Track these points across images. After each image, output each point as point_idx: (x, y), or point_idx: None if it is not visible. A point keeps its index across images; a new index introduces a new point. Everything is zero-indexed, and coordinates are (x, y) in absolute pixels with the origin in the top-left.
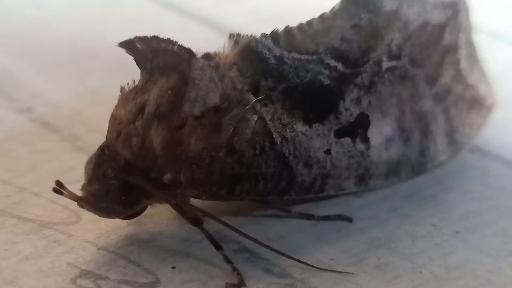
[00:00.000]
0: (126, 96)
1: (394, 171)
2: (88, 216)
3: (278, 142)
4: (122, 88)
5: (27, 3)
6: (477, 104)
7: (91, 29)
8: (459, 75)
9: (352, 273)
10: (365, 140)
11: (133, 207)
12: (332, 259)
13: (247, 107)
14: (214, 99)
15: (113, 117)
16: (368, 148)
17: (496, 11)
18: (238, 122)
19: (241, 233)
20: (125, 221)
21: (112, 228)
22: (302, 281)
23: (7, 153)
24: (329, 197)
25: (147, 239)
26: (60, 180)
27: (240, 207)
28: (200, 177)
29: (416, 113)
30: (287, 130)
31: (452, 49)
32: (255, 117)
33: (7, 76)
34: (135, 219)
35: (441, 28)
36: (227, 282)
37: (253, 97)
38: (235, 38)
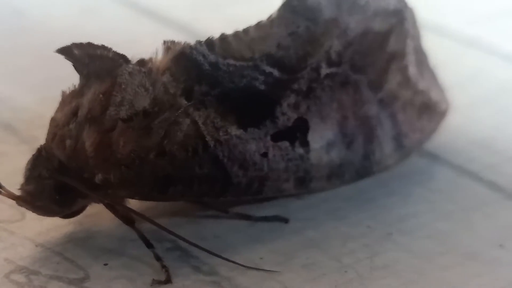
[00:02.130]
0: (64, 99)
1: (337, 174)
2: (32, 215)
3: (212, 145)
4: (63, 92)
5: (8, 10)
6: (429, 109)
7: (67, 37)
8: (407, 81)
9: (278, 271)
10: (305, 144)
11: (69, 206)
12: (261, 258)
13: (179, 111)
14: (143, 103)
15: (52, 120)
16: (307, 151)
17: (472, 19)
18: (169, 125)
19: (169, 232)
20: (66, 220)
21: (53, 227)
22: (228, 278)
23: None
24: (270, 198)
25: (85, 237)
26: (12, 181)
27: (180, 207)
28: (130, 178)
29: (359, 118)
30: (221, 134)
31: (399, 55)
32: (187, 121)
33: None
34: (75, 218)
35: (385, 35)
36: (153, 279)
37: (186, 102)
38: (168, 44)
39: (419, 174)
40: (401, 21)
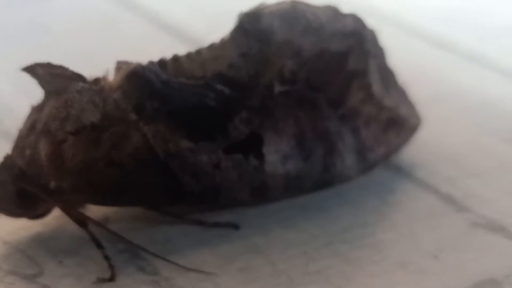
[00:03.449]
0: (29, 114)
1: (294, 185)
2: (5, 216)
3: (162, 157)
4: (31, 107)
5: (35, 25)
6: (396, 125)
7: (85, 52)
8: (370, 98)
9: (215, 273)
10: (259, 156)
11: (31, 209)
12: (204, 261)
13: (130, 125)
14: (91, 117)
15: (18, 132)
16: (262, 163)
17: (476, 33)
18: (118, 138)
19: (114, 234)
20: (36, 221)
21: (23, 227)
22: (167, 279)
23: None
24: (227, 206)
25: (48, 237)
26: None
27: (139, 213)
28: (80, 185)
29: (318, 133)
30: (171, 146)
31: (360, 74)
32: (137, 134)
33: None
34: (44, 219)
35: (343, 55)
36: (98, 277)
37: (136, 116)
38: (122, 65)
39: (378, 186)
40: (360, 41)
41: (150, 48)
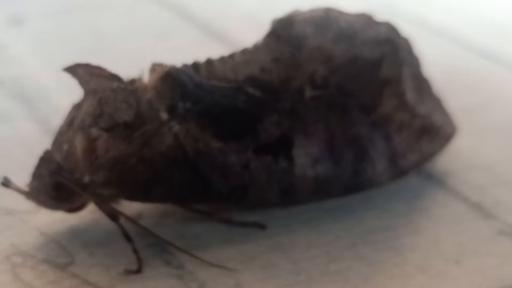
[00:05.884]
0: (69, 111)
1: (324, 188)
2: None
3: (192, 155)
4: (71, 105)
5: (90, 31)
6: (430, 133)
7: (137, 58)
8: (404, 106)
9: (236, 269)
10: (289, 158)
11: (67, 202)
12: (228, 257)
13: (162, 124)
14: (124, 116)
15: (58, 128)
16: (291, 165)
17: None
18: (150, 136)
19: (143, 228)
20: (72, 215)
21: (60, 220)
22: (191, 273)
23: (6, 154)
24: (256, 206)
25: (82, 229)
26: (8, 177)
27: (170, 210)
28: (112, 180)
29: (349, 137)
30: (200, 145)
31: (394, 82)
32: (168, 133)
33: (42, 92)
34: (80, 213)
35: (376, 62)
36: (125, 268)
37: (168, 116)
38: (156, 67)
39: (407, 192)
40: (393, 49)
41: (202, 57)
